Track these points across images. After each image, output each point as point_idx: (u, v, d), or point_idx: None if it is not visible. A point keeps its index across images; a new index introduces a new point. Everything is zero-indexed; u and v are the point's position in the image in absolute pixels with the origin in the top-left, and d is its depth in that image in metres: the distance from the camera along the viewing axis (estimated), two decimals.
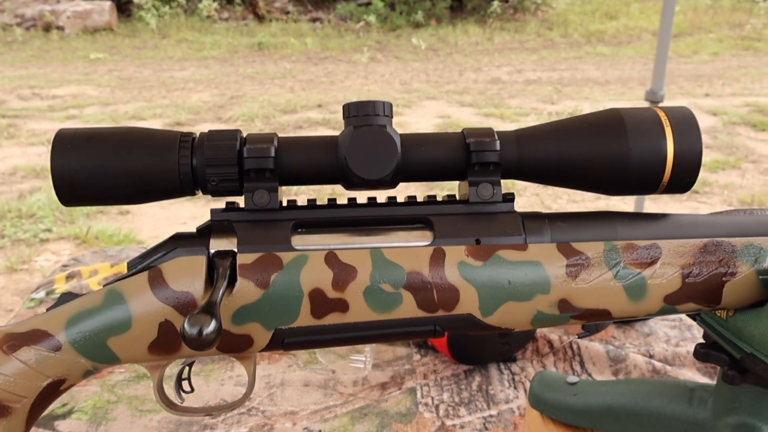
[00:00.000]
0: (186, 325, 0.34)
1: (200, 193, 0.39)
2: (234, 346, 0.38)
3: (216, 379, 0.70)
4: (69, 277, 0.90)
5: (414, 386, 0.69)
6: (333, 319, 0.38)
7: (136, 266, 0.38)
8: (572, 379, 0.53)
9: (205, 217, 0.40)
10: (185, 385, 0.44)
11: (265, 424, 0.63)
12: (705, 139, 4.64)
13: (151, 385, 0.43)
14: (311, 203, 0.40)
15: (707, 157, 4.09)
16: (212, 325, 0.34)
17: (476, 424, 0.63)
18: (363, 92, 5.72)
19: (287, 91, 6.19)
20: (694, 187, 0.45)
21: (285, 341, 0.38)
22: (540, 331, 0.76)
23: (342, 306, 0.38)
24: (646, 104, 2.24)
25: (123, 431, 0.61)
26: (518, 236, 0.39)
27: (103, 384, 0.69)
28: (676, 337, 0.78)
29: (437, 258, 0.38)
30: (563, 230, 0.40)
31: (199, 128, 4.76)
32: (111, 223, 3.01)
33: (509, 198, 0.40)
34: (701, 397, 0.46)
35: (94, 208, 3.20)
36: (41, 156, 3.91)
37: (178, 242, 0.38)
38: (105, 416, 0.64)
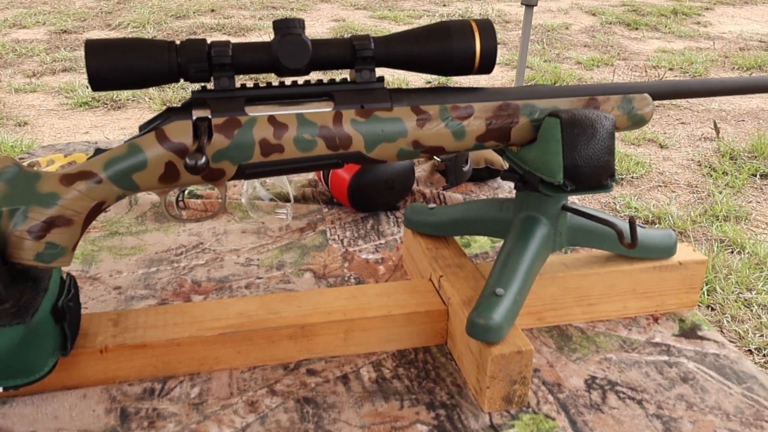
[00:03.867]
0: (187, 159, 0.55)
1: (183, 81, 0.60)
2: (213, 176, 0.60)
3: (174, 233, 0.92)
4: (29, 166, 1.06)
5: (324, 229, 0.93)
6: (275, 157, 0.60)
7: (145, 128, 0.59)
8: (432, 206, 0.80)
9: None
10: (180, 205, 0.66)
11: (216, 257, 0.86)
12: (583, 38, 5.03)
13: (160, 203, 0.64)
14: (256, 85, 0.61)
15: (584, 55, 4.46)
16: (203, 159, 0.56)
17: (370, 249, 0.89)
18: None
19: None
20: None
21: (246, 172, 0.60)
22: (416, 186, 1.02)
23: (280, 149, 0.60)
24: (522, 8, 2.50)
25: (111, 267, 0.83)
26: (387, 103, 0.63)
27: (84, 239, 0.89)
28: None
29: (338, 117, 0.61)
30: (414, 98, 0.63)
31: (88, 35, 4.60)
32: (10, 135, 3.00)
33: (380, 79, 0.63)
34: (507, 205, 0.72)
35: None
36: None
37: (172, 113, 0.59)
38: (93, 259, 0.85)
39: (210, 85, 0.60)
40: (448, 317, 0.70)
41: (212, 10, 5.52)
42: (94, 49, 0.56)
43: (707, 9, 6.20)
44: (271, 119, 0.60)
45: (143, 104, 3.42)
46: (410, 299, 0.71)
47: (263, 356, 0.67)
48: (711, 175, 2.78)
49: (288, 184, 0.99)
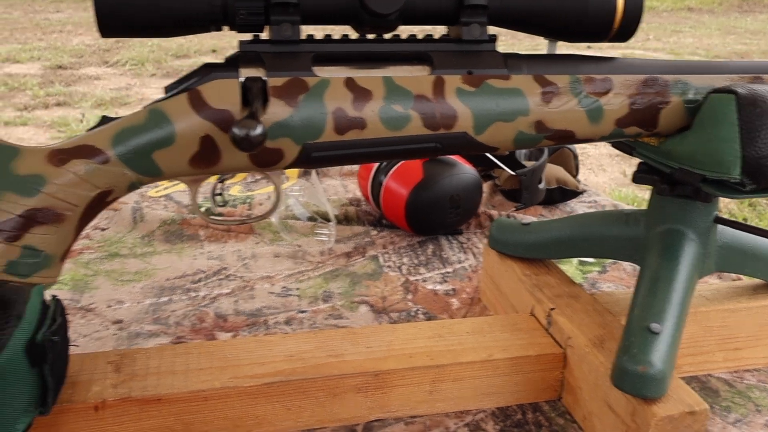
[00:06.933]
0: (236, 129, 0.38)
1: (226, 29, 0.43)
2: (267, 159, 0.43)
3: (189, 255, 0.74)
4: None
5: (376, 254, 0.76)
6: (353, 135, 0.43)
7: (174, 89, 0.42)
8: (527, 220, 0.63)
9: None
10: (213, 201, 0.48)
11: (245, 285, 0.68)
12: None
13: (189, 198, 0.47)
14: (327, 38, 0.45)
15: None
16: (259, 128, 0.39)
17: (436, 278, 0.71)
18: None
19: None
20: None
21: (312, 155, 0.43)
22: (482, 208, 0.85)
23: (360, 123, 0.43)
24: None
25: (109, 296, 0.64)
26: (502, 69, 0.46)
27: (76, 262, 0.71)
28: None
29: (439, 84, 0.45)
30: (537, 66, 0.47)
31: (84, 72, 4.48)
32: None
33: (493, 38, 0.47)
34: (635, 218, 0.56)
35: None
36: None
37: (212, 68, 0.42)
38: (86, 286, 0.66)
39: (264, 35, 0.44)
40: (566, 363, 0.52)
41: (213, 51, 5.45)
42: None
43: None
44: (350, 83, 0.43)
45: None
46: (513, 339, 0.53)
47: (322, 415, 0.49)
48: None
49: (327, 201, 0.82)
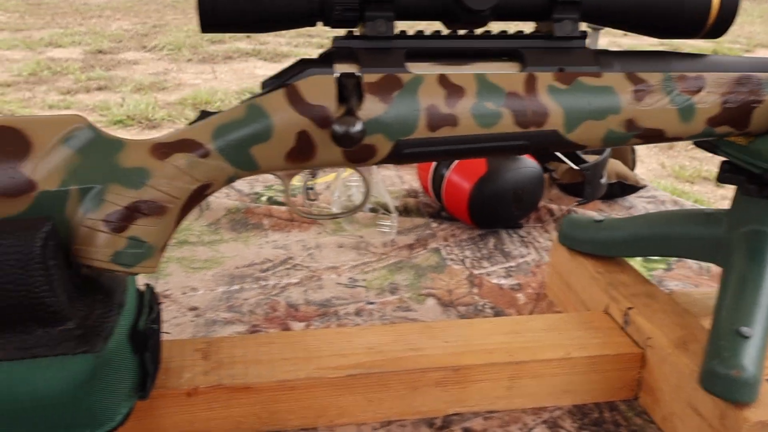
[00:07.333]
0: (337, 126, 0.39)
1: (320, 24, 0.44)
2: (360, 155, 0.43)
3: (255, 244, 0.75)
4: None
5: (437, 247, 0.76)
6: (444, 132, 0.43)
7: (271, 85, 0.42)
8: (599, 217, 0.62)
9: None
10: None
11: (312, 275, 0.69)
12: None
13: (284, 192, 0.47)
14: (419, 33, 0.45)
15: None
16: (359, 125, 0.39)
17: (500, 272, 0.71)
18: None
19: None
20: None
21: (404, 151, 0.43)
22: (542, 202, 0.84)
23: (452, 120, 0.43)
24: None
25: (183, 283, 0.66)
26: (593, 66, 0.46)
27: None
28: (653, 210, 0.89)
29: (530, 81, 0.44)
30: (629, 63, 0.47)
31: (123, 56, 4.54)
32: None
33: (583, 34, 0.47)
34: (716, 218, 0.55)
35: None
36: None
37: (307, 64, 0.43)
38: (160, 272, 0.68)
39: (357, 31, 0.44)
40: (645, 363, 0.51)
41: (248, 36, 5.48)
42: None
43: None
44: (443, 80, 0.43)
45: (180, 124, 3.31)
46: (590, 338, 0.53)
47: (401, 408, 0.49)
48: None
49: (387, 192, 0.82)
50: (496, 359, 0.50)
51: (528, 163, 0.78)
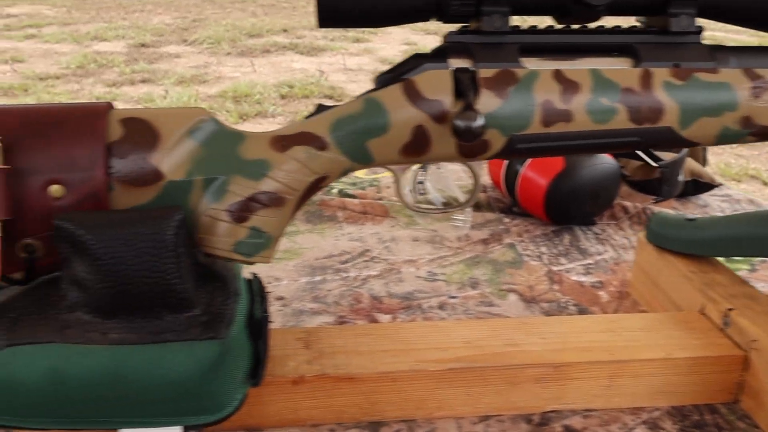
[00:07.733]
0: (458, 120, 0.39)
1: (434, 20, 0.44)
2: (473, 150, 0.43)
3: (331, 236, 0.75)
4: None
5: (512, 242, 0.76)
6: (558, 128, 0.43)
7: (387, 80, 0.43)
8: (691, 216, 0.61)
9: None
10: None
11: (391, 268, 0.69)
12: None
13: (395, 187, 0.47)
14: (532, 28, 0.45)
15: None
16: (480, 120, 0.39)
17: (579, 269, 0.70)
18: None
19: (249, 15, 6.01)
20: None
21: (516, 147, 0.43)
22: (617, 199, 0.83)
23: (567, 116, 0.43)
24: None
25: (266, 273, 0.66)
26: (709, 62, 0.45)
27: None
28: (728, 209, 0.87)
29: (646, 77, 0.44)
30: (745, 58, 0.46)
31: (165, 50, 4.61)
32: None
33: (699, 29, 0.46)
34: None
35: None
36: (5, 75, 3.74)
37: (422, 59, 0.43)
38: None
39: (471, 26, 0.44)
40: (748, 366, 0.50)
41: (285, 30, 5.51)
42: None
43: None
44: (558, 75, 0.43)
45: (221, 117, 3.35)
46: (689, 338, 0.52)
47: (499, 403, 0.49)
48: None
49: (457, 187, 0.82)
50: (596, 357, 0.49)
51: (605, 159, 0.77)
